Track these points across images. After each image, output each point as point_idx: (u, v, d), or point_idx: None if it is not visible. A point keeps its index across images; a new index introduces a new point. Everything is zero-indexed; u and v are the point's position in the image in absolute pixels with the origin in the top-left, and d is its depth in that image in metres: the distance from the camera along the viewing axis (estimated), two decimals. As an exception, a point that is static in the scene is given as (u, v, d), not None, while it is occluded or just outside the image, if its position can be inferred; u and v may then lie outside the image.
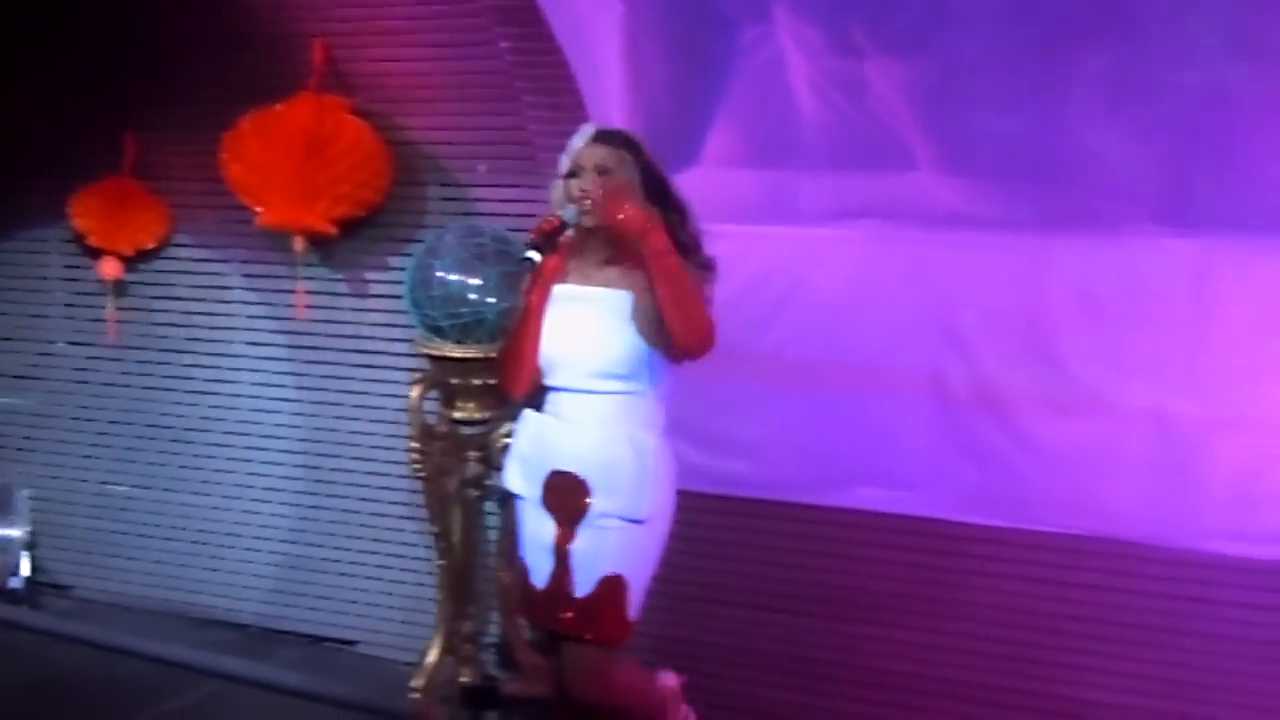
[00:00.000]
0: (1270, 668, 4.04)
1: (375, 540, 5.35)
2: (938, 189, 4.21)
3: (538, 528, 3.63)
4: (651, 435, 3.55)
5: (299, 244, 4.97)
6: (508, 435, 4.56)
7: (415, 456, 4.60)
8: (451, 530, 4.76)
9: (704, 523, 4.34)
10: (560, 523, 3.57)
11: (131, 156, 5.48)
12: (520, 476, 3.68)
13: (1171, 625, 4.15)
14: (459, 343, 4.54)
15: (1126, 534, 4.14)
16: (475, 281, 4.51)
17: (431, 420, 4.71)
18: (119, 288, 5.64)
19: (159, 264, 5.63)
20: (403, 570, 5.29)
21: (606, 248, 3.56)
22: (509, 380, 3.69)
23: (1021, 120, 4.07)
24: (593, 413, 3.54)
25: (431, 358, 4.63)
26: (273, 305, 5.41)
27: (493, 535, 4.89)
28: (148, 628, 5.55)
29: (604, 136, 3.61)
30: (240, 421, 5.58)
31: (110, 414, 5.83)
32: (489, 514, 4.87)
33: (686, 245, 3.53)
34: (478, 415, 4.67)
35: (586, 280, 3.57)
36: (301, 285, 5.18)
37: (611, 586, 3.51)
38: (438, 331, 4.56)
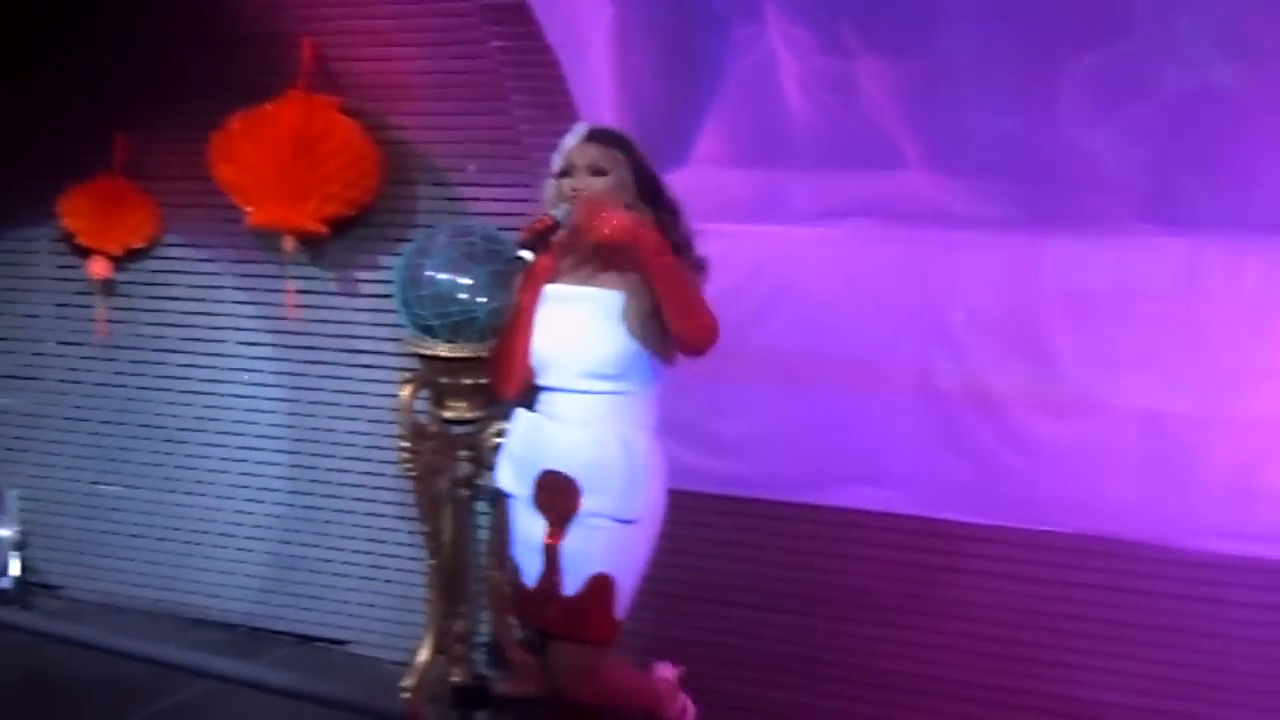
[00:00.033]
0: (1271, 667, 4.05)
1: (366, 540, 5.35)
2: (927, 188, 4.22)
3: (528, 527, 3.63)
4: (642, 435, 3.55)
5: (289, 243, 4.96)
6: (498, 435, 4.56)
7: (406, 456, 4.60)
8: (442, 530, 4.75)
9: (697, 522, 4.35)
10: (551, 522, 3.57)
11: (121, 156, 5.47)
12: (512, 475, 3.68)
13: (1171, 624, 4.16)
14: (449, 342, 4.53)
15: (1119, 532, 4.15)
16: (465, 281, 4.50)
17: (422, 419, 4.70)
18: (109, 287, 5.64)
19: (149, 264, 5.62)
20: (393, 570, 5.29)
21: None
22: (500, 380, 3.70)
23: (1011, 120, 4.07)
24: (584, 413, 3.53)
25: (422, 357, 4.62)
26: (263, 305, 5.40)
27: (483, 535, 4.88)
28: (138, 628, 5.55)
29: (597, 135, 3.60)
30: (230, 421, 5.57)
31: (100, 414, 5.82)
32: (480, 513, 4.87)
33: (678, 245, 3.53)
34: (468, 414, 4.66)
35: (578, 280, 3.57)
36: (292, 285, 5.18)
37: (599, 586, 3.51)
38: (428, 331, 4.55)
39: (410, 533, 5.06)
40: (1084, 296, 4.10)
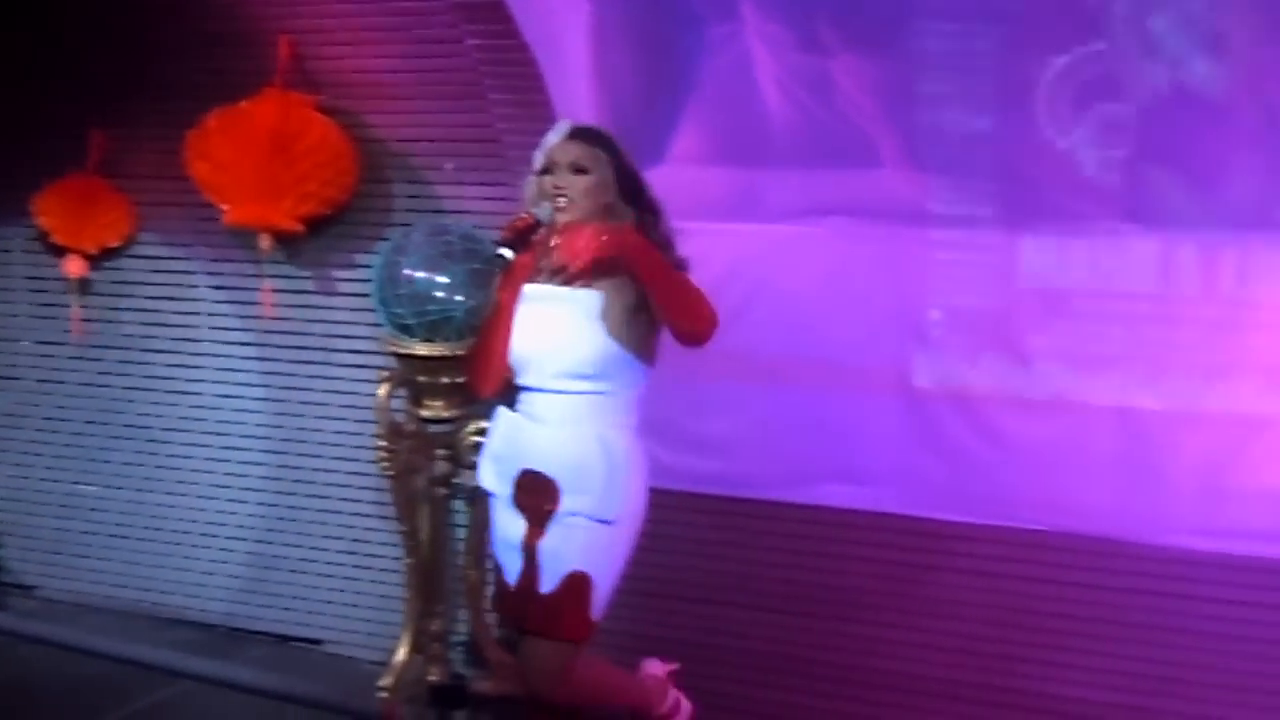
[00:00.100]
0: (1244, 662, 4.07)
1: (342, 539, 5.34)
2: (904, 187, 4.23)
3: (508, 526, 3.63)
4: (622, 436, 3.55)
5: (265, 242, 4.95)
6: (476, 433, 4.56)
7: (383, 455, 4.58)
8: (419, 528, 4.74)
9: (679, 520, 4.36)
10: (530, 521, 3.57)
11: (96, 154, 5.44)
12: (493, 475, 3.68)
13: (1147, 621, 4.17)
14: (427, 341, 4.53)
15: (1094, 529, 4.17)
16: (443, 279, 4.49)
17: (399, 418, 4.69)
18: (84, 286, 5.61)
19: (124, 262, 5.59)
20: (370, 569, 5.27)
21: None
22: (478, 378, 3.69)
23: (987, 118, 4.09)
24: (563, 413, 3.53)
25: (399, 356, 4.61)
26: (239, 304, 5.38)
27: (461, 533, 4.88)
28: (113, 628, 5.52)
29: (579, 133, 3.59)
30: (206, 420, 5.55)
31: (75, 413, 5.79)
32: (457, 512, 4.86)
33: (659, 245, 3.53)
34: (445, 413, 4.66)
35: (557, 279, 3.56)
36: (268, 284, 5.16)
37: (574, 583, 3.51)
38: (405, 329, 4.55)
39: (387, 532, 5.04)
40: (1059, 294, 4.12)
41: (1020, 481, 4.22)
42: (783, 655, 4.61)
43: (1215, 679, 4.09)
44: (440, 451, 4.69)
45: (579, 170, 3.52)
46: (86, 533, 5.82)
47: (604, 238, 3.38)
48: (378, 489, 5.00)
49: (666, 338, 3.57)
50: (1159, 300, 4.01)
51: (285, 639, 5.45)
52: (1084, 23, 3.94)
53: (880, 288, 4.32)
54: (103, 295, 5.64)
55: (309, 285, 5.25)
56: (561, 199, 3.50)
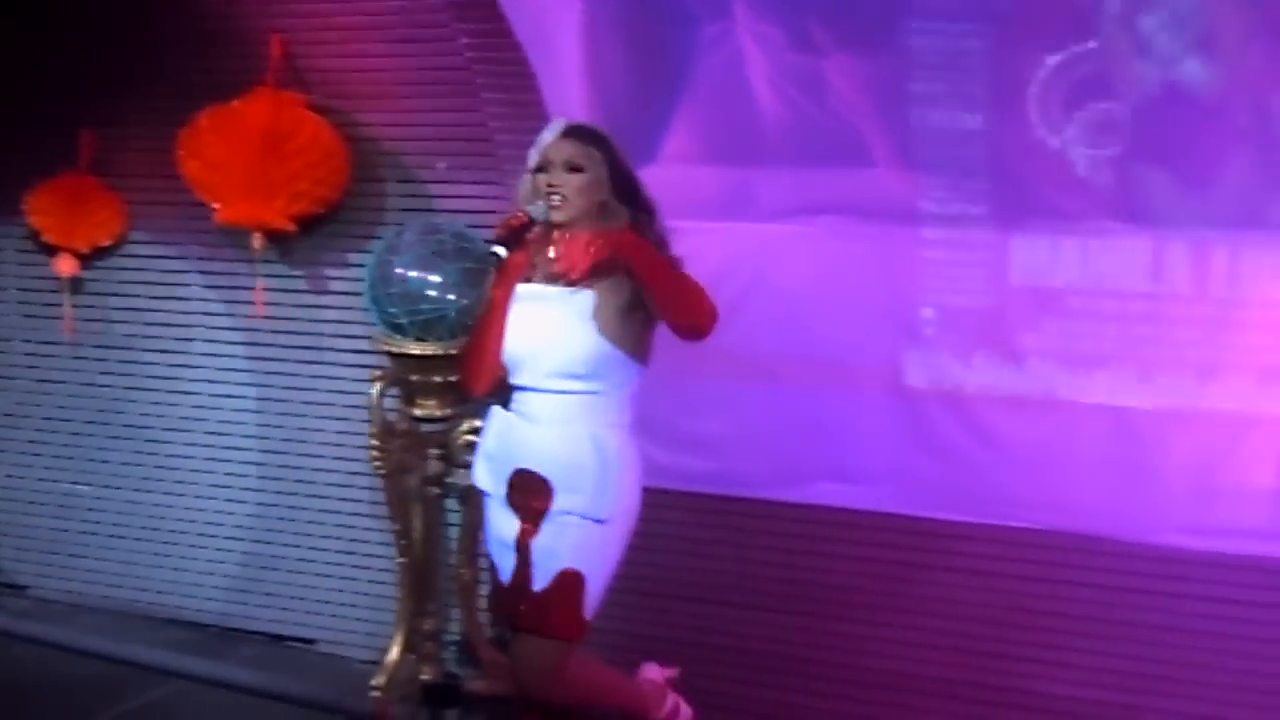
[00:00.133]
0: (1236, 661, 4.07)
1: (335, 538, 5.33)
2: (897, 186, 4.23)
3: (502, 525, 3.63)
4: (614, 435, 3.54)
5: (257, 241, 4.95)
6: (468, 432, 4.56)
7: (375, 454, 4.59)
8: (412, 528, 4.74)
9: (673, 519, 4.36)
10: (524, 520, 3.57)
11: (88, 153, 5.43)
12: (487, 474, 3.68)
13: (1141, 619, 4.18)
14: (419, 340, 4.52)
15: (1087, 528, 4.17)
16: (435, 278, 4.49)
17: (392, 417, 4.70)
18: (75, 285, 5.60)
19: (116, 261, 5.58)
20: (363, 568, 5.27)
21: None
22: (470, 376, 3.69)
23: (980, 117, 4.09)
24: (556, 412, 3.53)
25: (392, 355, 4.61)
26: (231, 303, 5.38)
27: (453, 533, 4.88)
28: (107, 628, 5.52)
29: (574, 132, 3.58)
30: (200, 419, 5.54)
31: (68, 413, 5.79)
32: (450, 511, 4.86)
33: (654, 244, 3.53)
34: (438, 412, 4.66)
35: (551, 279, 3.56)
36: (260, 283, 5.16)
37: (566, 581, 3.51)
38: (398, 329, 4.54)
39: (380, 531, 5.04)
40: (1051, 293, 4.12)
41: (1012, 480, 4.22)
42: (777, 654, 4.61)
43: (1207, 677, 4.10)
44: (433, 451, 4.69)
45: (573, 168, 3.51)
46: (80, 532, 5.81)
47: (597, 244, 3.38)
48: (370, 488, 5.00)
49: (660, 337, 3.58)
50: (1151, 299, 4.01)
51: (279, 638, 5.45)
52: (1076, 22, 3.94)
53: (873, 286, 4.31)
54: (94, 294, 5.64)
55: (301, 284, 5.24)
56: (556, 197, 3.50)
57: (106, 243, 5.53)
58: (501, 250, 3.45)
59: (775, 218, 4.39)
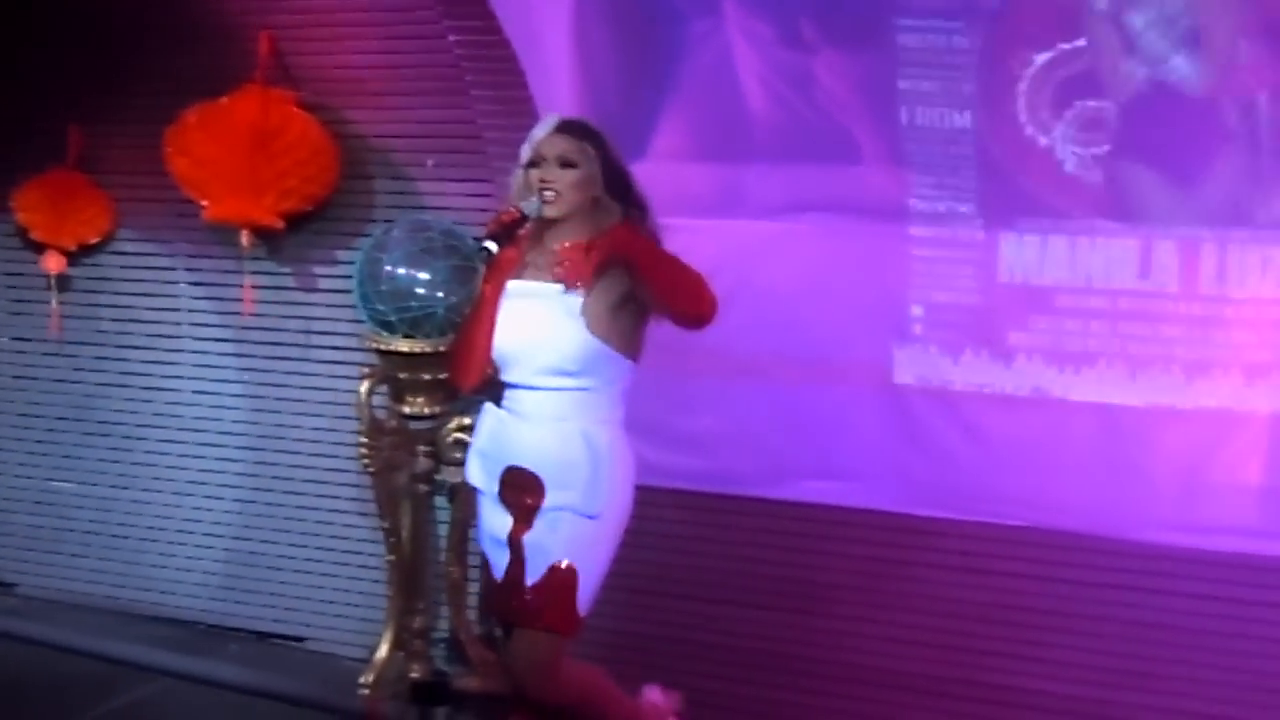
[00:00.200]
0: (1220, 658, 4.09)
1: (324, 536, 5.33)
2: (886, 183, 4.23)
3: (495, 522, 3.63)
4: (606, 431, 3.54)
5: (245, 238, 4.93)
6: (457, 430, 4.56)
7: (364, 451, 4.59)
8: (401, 525, 4.74)
9: (660, 517, 4.36)
10: (516, 518, 3.57)
11: (75, 150, 5.42)
12: (479, 471, 3.68)
13: (1128, 616, 4.18)
14: (408, 337, 4.52)
15: (1075, 525, 4.18)
16: (424, 276, 4.49)
17: (381, 415, 4.69)
18: (62, 283, 5.58)
19: (103, 258, 5.57)
20: (352, 566, 5.26)
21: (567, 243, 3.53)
22: (459, 371, 3.68)
23: (969, 115, 4.09)
24: (547, 409, 3.53)
25: (380, 352, 4.61)
26: (219, 300, 5.37)
27: (442, 530, 4.88)
28: (93, 625, 5.51)
29: (567, 127, 3.57)
30: (189, 417, 5.53)
31: (55, 410, 5.77)
32: (438, 509, 4.86)
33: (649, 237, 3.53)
34: (427, 410, 4.66)
35: (540, 275, 3.56)
36: (248, 280, 5.14)
37: (559, 576, 3.51)
38: (386, 326, 4.54)
39: (369, 529, 5.04)
40: (1040, 291, 4.13)
41: (1001, 477, 4.23)
42: (765, 651, 4.62)
43: (1191, 674, 4.11)
44: (422, 448, 4.69)
45: (566, 164, 3.51)
46: (67, 530, 5.79)
47: (596, 250, 3.39)
48: (359, 486, 5.00)
49: (649, 334, 3.58)
50: (1139, 297, 4.02)
51: (267, 636, 5.44)
52: (1064, 20, 3.94)
53: (862, 284, 4.32)
54: (82, 292, 5.62)
55: (289, 282, 5.24)
56: (548, 193, 3.49)
57: (94, 240, 5.51)
58: (493, 245, 3.45)
59: (764, 215, 4.39)
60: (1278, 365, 3.91)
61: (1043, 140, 4.04)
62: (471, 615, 4.89)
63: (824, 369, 4.39)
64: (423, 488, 4.75)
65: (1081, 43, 3.95)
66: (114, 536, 5.71)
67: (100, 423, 5.68)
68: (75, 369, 5.70)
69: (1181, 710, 4.13)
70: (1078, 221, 4.06)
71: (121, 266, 5.56)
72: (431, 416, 4.66)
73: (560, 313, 3.47)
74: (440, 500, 4.83)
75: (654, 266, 3.41)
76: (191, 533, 5.58)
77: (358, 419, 4.60)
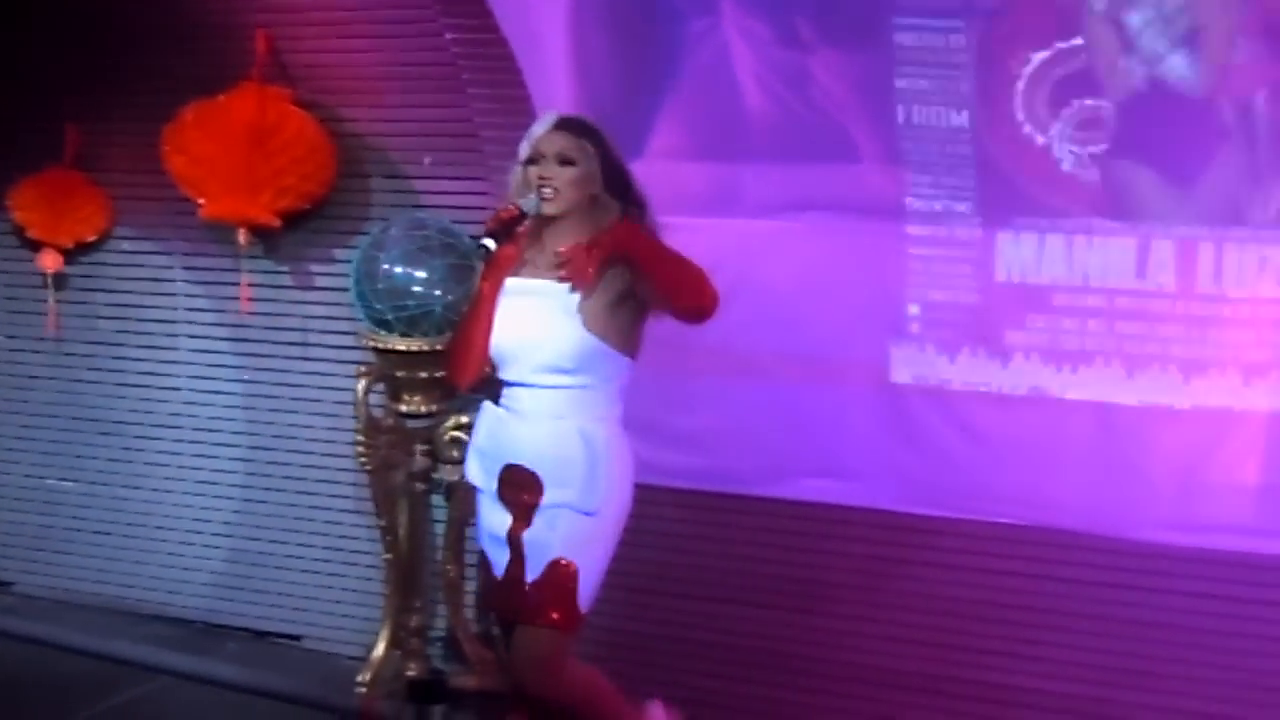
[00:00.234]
0: (1216, 656, 4.09)
1: (321, 534, 5.32)
2: (883, 182, 4.23)
3: (494, 520, 3.63)
4: (603, 428, 3.54)
5: (242, 236, 4.93)
6: (454, 428, 4.57)
7: (361, 450, 4.59)
8: (398, 524, 4.74)
9: (657, 515, 4.35)
10: (515, 516, 3.57)
11: (72, 148, 5.41)
12: (478, 469, 3.67)
13: (1125, 615, 4.18)
14: (405, 335, 4.52)
15: (1072, 524, 4.18)
16: (421, 274, 4.49)
17: (378, 413, 4.69)
18: (59, 280, 5.58)
19: (100, 256, 5.57)
20: (349, 564, 5.26)
21: (565, 243, 3.52)
22: (456, 369, 3.67)
23: (966, 114, 4.09)
24: (544, 407, 3.52)
25: (377, 350, 4.61)
26: (216, 299, 5.37)
27: (439, 529, 4.88)
28: (92, 624, 5.51)
29: (566, 124, 3.56)
30: (185, 416, 5.53)
31: (49, 409, 5.77)
32: (436, 507, 4.86)
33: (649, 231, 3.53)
34: (424, 408, 4.66)
35: (539, 273, 3.55)
36: (245, 278, 5.14)
37: (558, 572, 3.50)
38: (383, 324, 4.54)
39: (366, 527, 5.04)
40: (1037, 290, 4.13)
41: (998, 476, 4.22)
42: (762, 649, 4.61)
43: (1189, 672, 4.11)
44: (419, 447, 4.69)
45: (565, 162, 3.49)
46: (64, 529, 5.79)
47: (598, 248, 3.39)
48: (356, 484, 5.00)
49: (650, 333, 3.57)
50: (1136, 296, 4.02)
51: (264, 634, 5.44)
52: (1061, 19, 3.94)
53: (859, 283, 4.32)
54: (79, 290, 5.62)
55: (286, 280, 5.23)
56: (547, 190, 3.48)
57: (91, 238, 5.51)
58: (491, 243, 3.44)
59: (761, 214, 4.39)
60: (1275, 364, 3.91)
61: (1040, 139, 4.04)
62: (469, 614, 4.89)
63: (821, 368, 4.38)
64: (420, 486, 4.75)
65: (1079, 41, 3.94)
66: (108, 534, 5.71)
67: (95, 420, 5.68)
68: (72, 367, 5.70)
69: (1179, 709, 4.13)
70: (1075, 220, 4.06)
71: (118, 265, 5.56)
72: (428, 415, 4.66)
73: (557, 310, 3.47)
74: (437, 499, 4.83)
75: (656, 261, 3.40)
76: (188, 530, 5.58)
77: (355, 417, 4.60)
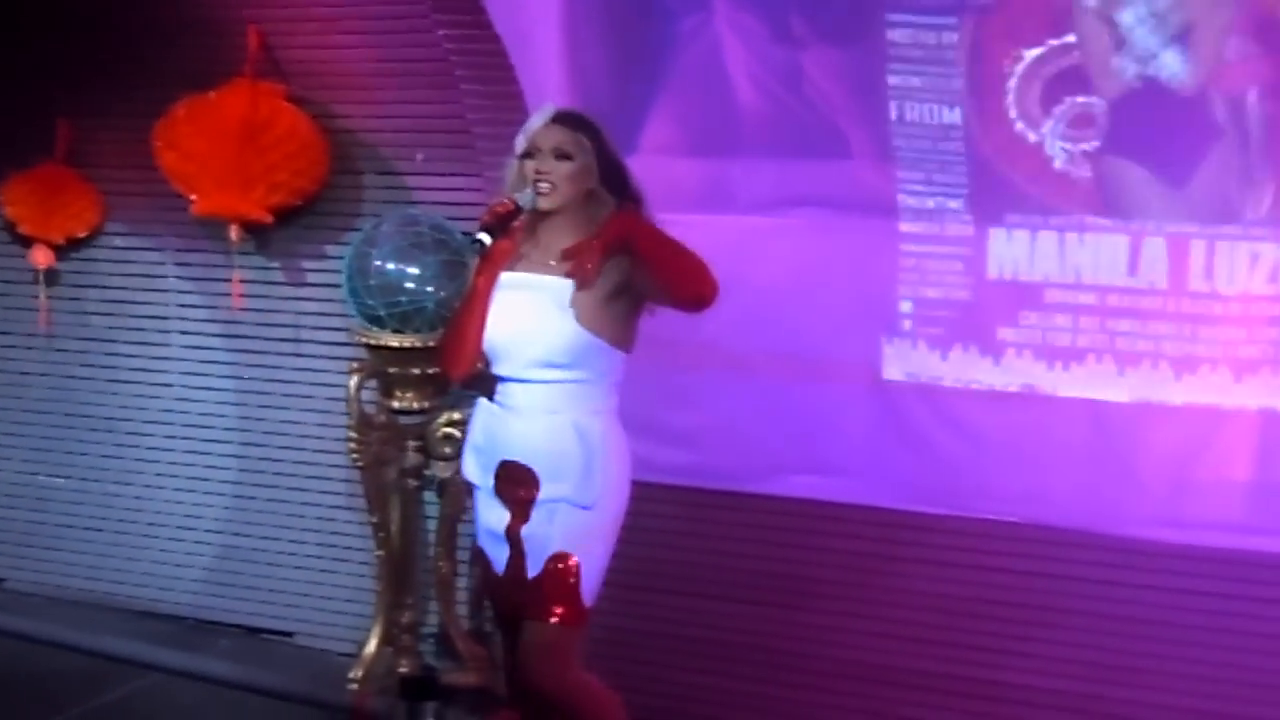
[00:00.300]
0: (1208, 652, 4.10)
1: (313, 531, 5.32)
2: (875, 178, 4.23)
3: (491, 516, 3.62)
4: (598, 421, 3.52)
5: (234, 232, 4.93)
6: (447, 425, 4.57)
7: (353, 446, 4.58)
8: (390, 520, 4.74)
9: (648, 512, 4.34)
10: (512, 512, 3.56)
11: (63, 144, 5.41)
12: (475, 466, 3.67)
13: (1117, 612, 4.19)
14: (397, 331, 4.52)
15: (1063, 521, 4.18)
16: (413, 270, 4.49)
17: (370, 410, 4.69)
18: (51, 276, 5.57)
19: (92, 253, 5.56)
20: (341, 561, 5.26)
21: (562, 238, 3.52)
22: (449, 361, 3.66)
23: (958, 111, 4.09)
24: (538, 402, 3.51)
25: (370, 347, 4.61)
26: (208, 295, 5.36)
27: (431, 525, 4.87)
28: (83, 621, 5.50)
29: (563, 118, 3.54)
30: (177, 412, 5.52)
31: (41, 405, 5.76)
32: (428, 504, 4.86)
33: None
34: (416, 405, 4.66)
35: (533, 268, 3.54)
36: (237, 274, 5.14)
37: (559, 566, 3.50)
38: (376, 320, 4.54)
39: (358, 524, 5.04)
40: (1029, 287, 4.13)
41: (989, 473, 4.23)
42: (752, 646, 4.62)
43: (1179, 669, 4.12)
44: (411, 443, 4.69)
45: (562, 156, 3.47)
46: (56, 525, 5.78)
47: (599, 242, 3.38)
48: (348, 481, 5.00)
49: (642, 330, 3.57)
50: (1128, 293, 4.02)
51: (256, 631, 5.44)
52: (1054, 16, 3.95)
53: (851, 280, 4.32)
54: (70, 286, 5.61)
55: (278, 276, 5.23)
56: (544, 184, 3.46)
57: (82, 234, 5.50)
58: (485, 237, 3.42)
59: (754, 210, 4.39)
60: (1266, 362, 3.91)
61: (1032, 136, 4.05)
62: (461, 610, 4.89)
63: (813, 365, 4.39)
64: (412, 483, 4.75)
65: (1071, 39, 3.95)
66: (99, 531, 5.70)
67: (87, 417, 5.67)
68: (63, 363, 5.69)
69: (1168, 705, 4.14)
70: (1067, 217, 4.07)
71: (110, 261, 5.55)
72: (421, 411, 4.66)
73: (550, 305, 3.45)
74: (429, 495, 4.83)
75: (657, 247, 3.38)
76: (180, 527, 5.57)
77: (347, 414, 4.59)
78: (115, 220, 5.50)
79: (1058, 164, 4.04)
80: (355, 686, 4.66)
